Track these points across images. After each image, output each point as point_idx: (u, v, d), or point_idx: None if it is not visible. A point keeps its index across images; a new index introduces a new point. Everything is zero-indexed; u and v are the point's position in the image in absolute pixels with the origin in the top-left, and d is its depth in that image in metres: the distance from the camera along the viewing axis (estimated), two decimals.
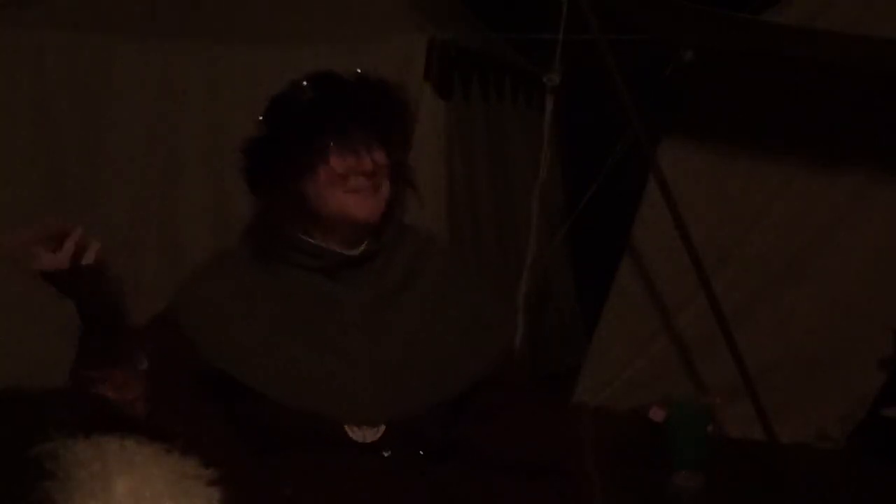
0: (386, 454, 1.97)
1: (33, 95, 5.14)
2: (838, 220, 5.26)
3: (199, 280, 2.09)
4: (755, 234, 5.33)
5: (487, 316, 2.13)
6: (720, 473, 4.82)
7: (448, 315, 2.09)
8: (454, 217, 5.01)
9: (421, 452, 2.00)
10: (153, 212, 5.14)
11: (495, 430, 2.08)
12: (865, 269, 5.25)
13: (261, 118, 2.04)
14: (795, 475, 4.74)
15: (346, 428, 1.96)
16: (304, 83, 2.02)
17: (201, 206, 5.08)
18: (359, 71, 2.05)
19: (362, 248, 2.04)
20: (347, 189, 2.01)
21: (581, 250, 6.67)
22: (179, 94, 5.07)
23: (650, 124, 4.93)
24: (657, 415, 1.70)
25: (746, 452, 5.02)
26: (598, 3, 4.34)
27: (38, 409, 1.86)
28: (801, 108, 5.13)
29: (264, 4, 5.18)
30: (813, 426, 5.23)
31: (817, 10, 4.90)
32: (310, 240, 2.03)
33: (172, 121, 5.10)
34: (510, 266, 5.43)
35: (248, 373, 1.98)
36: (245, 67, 4.99)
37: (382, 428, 1.97)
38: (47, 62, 5.11)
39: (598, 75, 4.77)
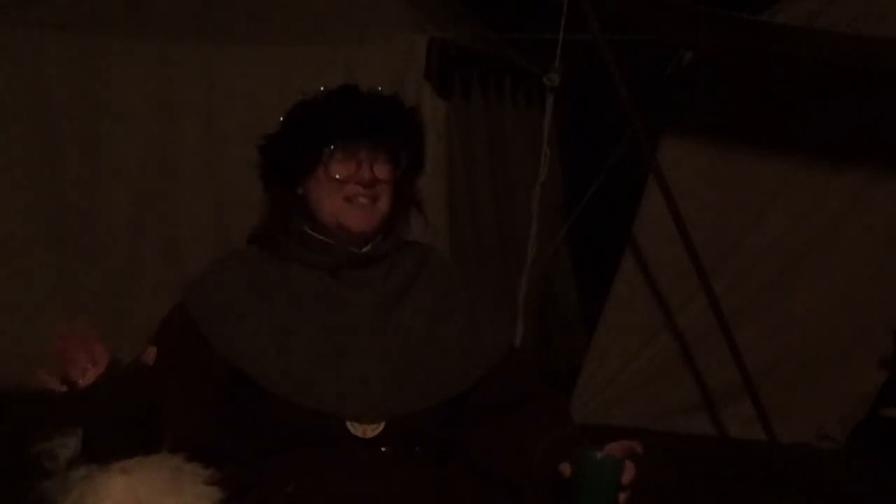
0: (384, 450, 2.00)
1: (33, 95, 5.14)
2: (838, 220, 5.25)
3: (210, 273, 2.13)
4: (755, 234, 5.33)
5: (485, 323, 2.18)
6: (720, 473, 4.82)
7: (447, 320, 2.13)
8: (454, 217, 5.01)
9: (418, 449, 2.03)
10: (153, 211, 5.14)
11: (494, 432, 2.10)
12: (865, 268, 5.25)
13: (282, 118, 2.10)
14: (795, 475, 4.74)
15: (347, 424, 2.00)
16: (323, 89, 2.08)
17: (201, 205, 5.09)
18: (379, 89, 2.11)
19: (369, 247, 2.08)
20: (344, 196, 2.06)
21: (581, 250, 6.67)
22: (179, 94, 5.07)
23: (650, 124, 4.93)
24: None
25: (746, 452, 5.02)
26: (598, 3, 4.34)
27: (38, 408, 1.86)
28: (801, 108, 5.13)
29: (263, 5, 5.18)
30: (813, 426, 5.23)
31: (817, 10, 4.90)
32: (317, 235, 2.07)
33: (172, 121, 5.10)
34: (510, 266, 5.43)
35: (255, 367, 2.01)
36: (244, 67, 4.99)
37: (382, 424, 2.00)
38: (47, 62, 5.11)
39: (598, 75, 4.77)
